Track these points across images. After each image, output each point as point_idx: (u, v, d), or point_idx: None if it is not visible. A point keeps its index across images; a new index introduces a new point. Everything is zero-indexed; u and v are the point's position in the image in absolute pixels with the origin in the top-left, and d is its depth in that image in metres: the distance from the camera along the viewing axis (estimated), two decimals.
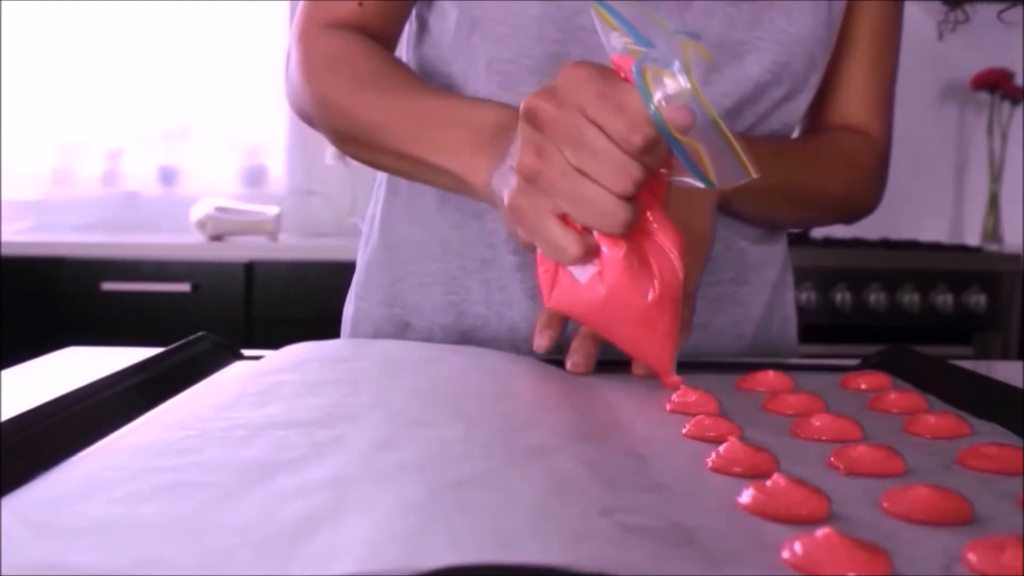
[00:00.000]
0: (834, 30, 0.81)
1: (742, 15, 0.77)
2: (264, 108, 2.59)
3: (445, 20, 0.80)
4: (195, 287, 2.17)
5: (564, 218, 0.56)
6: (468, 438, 0.43)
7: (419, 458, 0.40)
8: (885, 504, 0.39)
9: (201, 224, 2.31)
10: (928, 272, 2.24)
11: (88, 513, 0.35)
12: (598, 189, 0.54)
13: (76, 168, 2.62)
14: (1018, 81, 2.57)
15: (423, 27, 0.84)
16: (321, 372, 0.57)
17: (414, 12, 0.85)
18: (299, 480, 0.38)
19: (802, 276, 2.15)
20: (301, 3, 0.83)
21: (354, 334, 0.88)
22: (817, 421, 0.51)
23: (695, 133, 0.52)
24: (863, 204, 0.89)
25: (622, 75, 0.54)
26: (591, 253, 0.57)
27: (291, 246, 2.31)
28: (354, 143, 0.79)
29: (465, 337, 0.81)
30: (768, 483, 0.38)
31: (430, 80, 0.82)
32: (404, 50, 0.87)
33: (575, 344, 0.66)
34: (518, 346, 0.78)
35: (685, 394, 0.56)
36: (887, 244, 2.37)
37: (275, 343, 0.70)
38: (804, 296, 2.16)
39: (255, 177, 2.67)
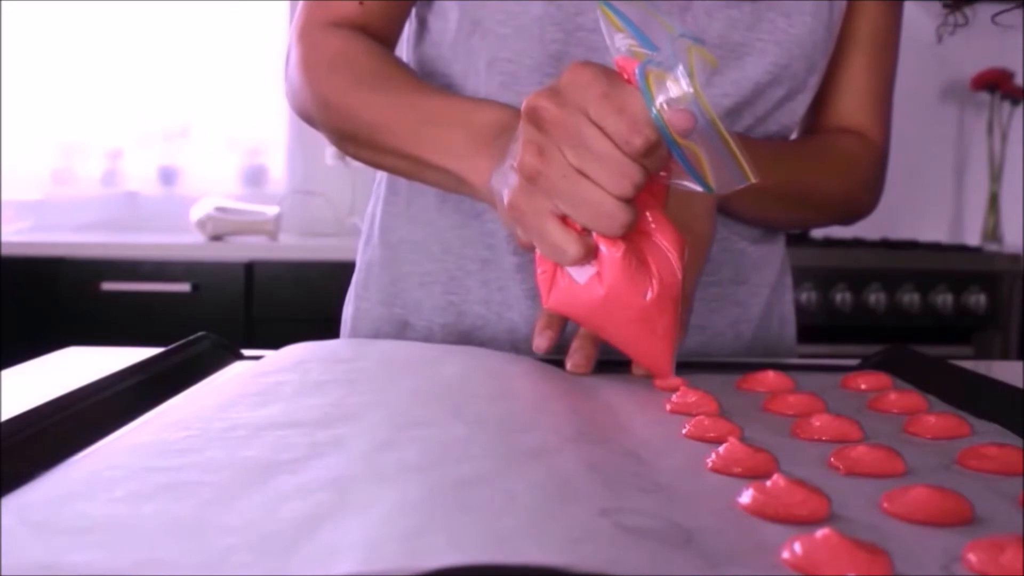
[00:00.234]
0: (834, 32, 0.81)
1: (743, 16, 0.77)
2: (264, 108, 2.59)
3: (445, 20, 0.81)
4: (195, 287, 2.17)
5: (564, 219, 0.56)
6: (468, 438, 0.43)
7: (419, 458, 0.40)
8: (885, 504, 0.39)
9: (201, 224, 2.31)
10: (928, 272, 2.24)
11: (88, 513, 0.35)
12: (598, 191, 0.54)
13: (76, 168, 2.62)
14: (1018, 81, 2.57)
15: (423, 27, 0.84)
16: (321, 372, 0.57)
17: (413, 12, 0.85)
18: (299, 480, 0.38)
19: (802, 276, 2.15)
20: (301, 2, 0.83)
21: (354, 334, 0.88)
22: (817, 421, 0.51)
23: (695, 137, 0.52)
24: (861, 206, 0.89)
25: (625, 77, 0.54)
26: (590, 254, 0.57)
27: (291, 246, 2.30)
28: (354, 142, 0.79)
29: (465, 337, 0.81)
30: (768, 483, 0.38)
31: (430, 80, 0.82)
32: (404, 49, 0.87)
33: (575, 344, 0.66)
34: (518, 346, 0.78)
35: (685, 394, 0.56)
36: (887, 244, 2.37)
37: (275, 343, 0.70)
38: (804, 296, 2.16)
39: (255, 177, 2.67)
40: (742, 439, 0.47)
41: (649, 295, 0.58)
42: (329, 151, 2.45)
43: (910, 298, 2.21)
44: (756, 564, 0.33)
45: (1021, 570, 0.31)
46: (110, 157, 2.62)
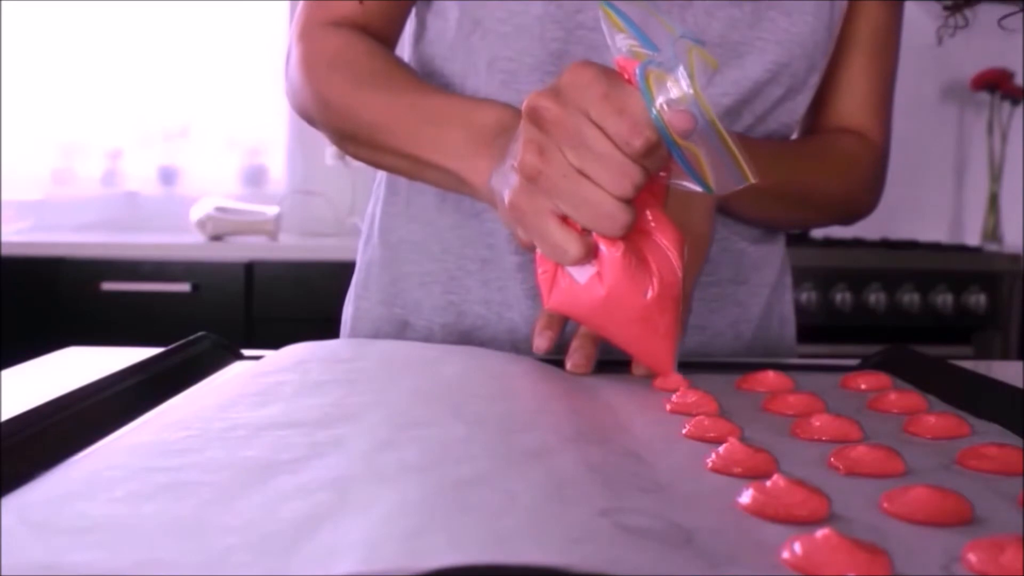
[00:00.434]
0: (834, 31, 0.81)
1: (743, 15, 0.77)
2: (264, 108, 2.59)
3: (444, 19, 0.81)
4: (195, 287, 2.17)
5: (565, 219, 0.56)
6: (468, 438, 0.43)
7: (419, 458, 0.40)
8: (885, 504, 0.39)
9: (201, 224, 2.31)
10: (928, 272, 2.24)
11: (88, 513, 0.35)
12: (598, 191, 0.54)
13: (76, 168, 2.62)
14: (1018, 81, 2.57)
15: (423, 26, 0.84)
16: (321, 372, 0.57)
17: (414, 11, 0.85)
18: (299, 480, 0.38)
19: (802, 276, 2.15)
20: (301, 2, 0.83)
21: (354, 334, 0.88)
22: (817, 421, 0.51)
23: (695, 138, 0.52)
24: (861, 206, 0.89)
25: (626, 77, 0.54)
26: (591, 254, 0.57)
27: (291, 246, 2.30)
28: (354, 142, 0.79)
29: (465, 337, 0.81)
30: (768, 483, 0.38)
31: (430, 79, 0.82)
32: (404, 49, 0.87)
33: (575, 344, 0.66)
34: (518, 346, 0.78)
35: (685, 394, 0.56)
36: (887, 244, 2.37)
37: (275, 343, 0.70)
38: (804, 296, 2.16)
39: (255, 177, 2.67)
40: (742, 439, 0.47)
41: (650, 294, 0.58)
42: (329, 151, 2.45)
43: (910, 298, 2.21)
44: (756, 564, 0.33)
45: (1021, 570, 0.31)
46: (110, 157, 2.62)
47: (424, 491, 0.36)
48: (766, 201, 0.79)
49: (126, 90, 2.59)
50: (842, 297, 2.19)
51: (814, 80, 0.81)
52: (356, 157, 0.81)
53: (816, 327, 2.00)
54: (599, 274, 0.58)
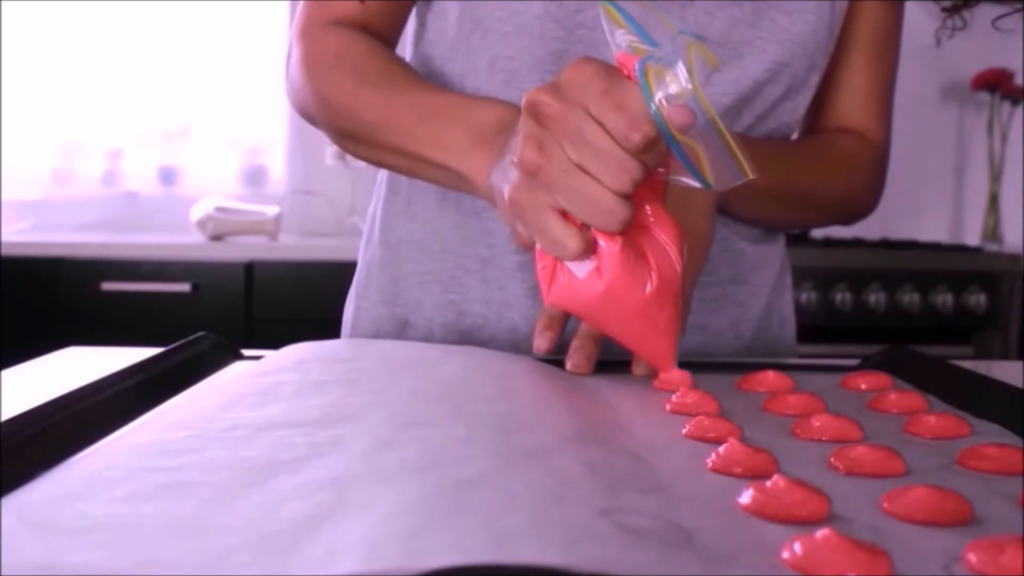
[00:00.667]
0: (835, 31, 0.81)
1: (744, 15, 0.77)
2: (264, 108, 2.59)
3: (445, 19, 0.81)
4: (195, 287, 2.17)
5: (564, 214, 0.56)
6: (468, 438, 0.43)
7: (419, 458, 0.40)
8: (885, 504, 0.39)
9: (201, 224, 2.31)
10: (928, 272, 2.24)
11: (88, 513, 0.35)
12: (597, 186, 0.54)
13: (76, 168, 2.61)
14: (1018, 81, 2.57)
15: (423, 26, 0.84)
16: (321, 372, 0.57)
17: (414, 11, 0.85)
18: (299, 480, 0.38)
19: (802, 276, 2.15)
20: (302, 2, 0.83)
21: (354, 333, 0.88)
22: (817, 421, 0.51)
23: (694, 133, 0.52)
24: (861, 206, 0.89)
25: (625, 73, 0.54)
26: (590, 249, 0.57)
27: (291, 246, 2.30)
28: (355, 141, 0.79)
29: (465, 336, 0.81)
30: (768, 484, 0.38)
31: (431, 78, 0.82)
32: (405, 48, 0.87)
33: (575, 344, 0.66)
34: (518, 346, 0.78)
35: (685, 395, 0.56)
36: (887, 244, 2.37)
37: (275, 343, 0.70)
38: (804, 296, 2.16)
39: (255, 177, 2.67)
40: (742, 439, 0.47)
41: (648, 288, 0.58)
42: (329, 151, 2.45)
43: (910, 298, 2.21)
44: (756, 564, 0.33)
45: (1021, 570, 0.31)
46: (110, 157, 2.62)
47: (424, 491, 0.36)
48: (766, 201, 0.79)
49: (126, 90, 2.59)
50: (842, 297, 2.19)
51: (814, 80, 0.81)
52: (357, 156, 0.81)
53: (816, 327, 2.00)
54: (598, 269, 0.58)
